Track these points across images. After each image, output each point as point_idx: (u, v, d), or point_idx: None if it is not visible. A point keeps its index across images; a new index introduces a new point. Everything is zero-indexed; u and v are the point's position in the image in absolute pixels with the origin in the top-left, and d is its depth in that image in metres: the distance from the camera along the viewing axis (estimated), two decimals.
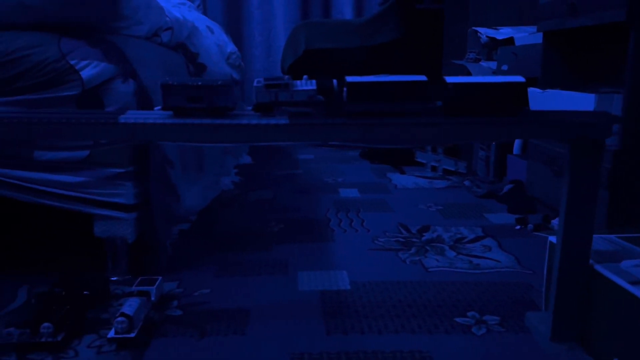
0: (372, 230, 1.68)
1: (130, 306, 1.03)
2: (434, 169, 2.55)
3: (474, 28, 2.30)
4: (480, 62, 2.21)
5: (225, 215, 1.87)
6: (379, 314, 1.13)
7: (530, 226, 1.68)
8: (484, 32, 2.18)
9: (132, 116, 0.85)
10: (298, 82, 0.86)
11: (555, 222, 1.67)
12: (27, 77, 1.16)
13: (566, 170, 0.91)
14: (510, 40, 2.08)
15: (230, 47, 2.21)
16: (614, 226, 1.40)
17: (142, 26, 1.40)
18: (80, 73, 1.15)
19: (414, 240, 1.59)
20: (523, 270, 1.36)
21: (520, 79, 0.87)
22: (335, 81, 0.87)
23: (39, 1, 1.16)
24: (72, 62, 1.15)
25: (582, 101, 1.49)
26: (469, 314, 1.13)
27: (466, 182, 2.28)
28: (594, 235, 1.08)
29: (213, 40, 2.01)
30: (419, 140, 0.87)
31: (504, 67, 2.05)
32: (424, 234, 1.64)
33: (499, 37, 2.08)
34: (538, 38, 1.87)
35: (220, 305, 1.19)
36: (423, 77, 0.86)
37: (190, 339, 1.04)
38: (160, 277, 1.19)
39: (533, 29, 1.95)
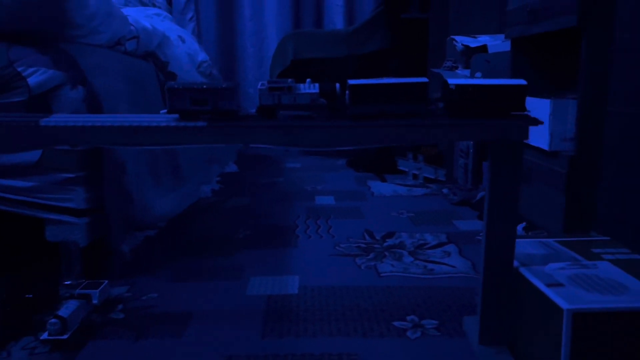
0: (336, 237, 1.68)
1: (66, 309, 1.05)
2: (415, 177, 2.54)
3: (451, 36, 2.31)
4: (457, 70, 2.21)
5: (197, 223, 1.88)
6: (319, 318, 1.13)
7: None
8: (460, 40, 2.18)
9: (54, 119, 0.87)
10: (301, 85, 0.87)
11: (519, 227, 1.66)
12: None
13: (487, 172, 0.91)
14: (484, 48, 2.08)
15: (202, 56, 2.24)
16: (570, 230, 1.39)
17: (101, 35, 1.43)
18: (27, 80, 1.18)
19: (376, 246, 1.58)
20: (477, 276, 1.36)
21: (521, 82, 0.88)
22: (337, 84, 0.88)
23: None
24: (20, 69, 1.18)
25: (541, 107, 1.48)
26: (408, 317, 1.13)
27: (444, 190, 2.27)
28: (530, 240, 1.08)
29: (184, 49, 2.04)
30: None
31: (478, 75, 2.05)
32: (387, 240, 1.64)
33: (472, 45, 2.09)
34: (509, 45, 1.87)
35: (164, 309, 1.19)
36: (424, 79, 0.87)
37: (127, 342, 1.05)
38: (106, 281, 1.20)
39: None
